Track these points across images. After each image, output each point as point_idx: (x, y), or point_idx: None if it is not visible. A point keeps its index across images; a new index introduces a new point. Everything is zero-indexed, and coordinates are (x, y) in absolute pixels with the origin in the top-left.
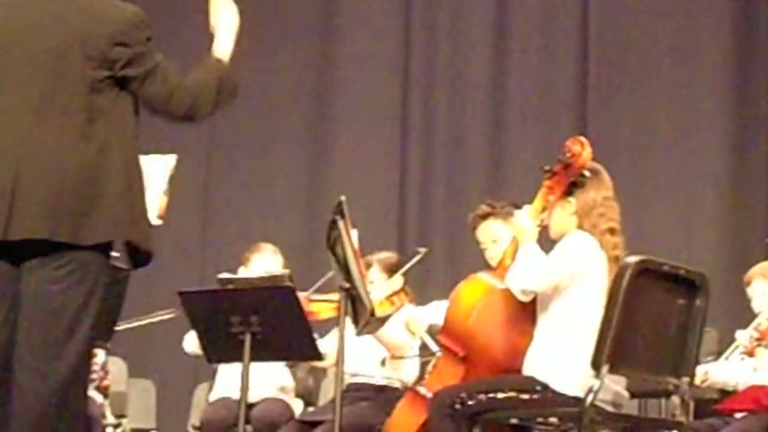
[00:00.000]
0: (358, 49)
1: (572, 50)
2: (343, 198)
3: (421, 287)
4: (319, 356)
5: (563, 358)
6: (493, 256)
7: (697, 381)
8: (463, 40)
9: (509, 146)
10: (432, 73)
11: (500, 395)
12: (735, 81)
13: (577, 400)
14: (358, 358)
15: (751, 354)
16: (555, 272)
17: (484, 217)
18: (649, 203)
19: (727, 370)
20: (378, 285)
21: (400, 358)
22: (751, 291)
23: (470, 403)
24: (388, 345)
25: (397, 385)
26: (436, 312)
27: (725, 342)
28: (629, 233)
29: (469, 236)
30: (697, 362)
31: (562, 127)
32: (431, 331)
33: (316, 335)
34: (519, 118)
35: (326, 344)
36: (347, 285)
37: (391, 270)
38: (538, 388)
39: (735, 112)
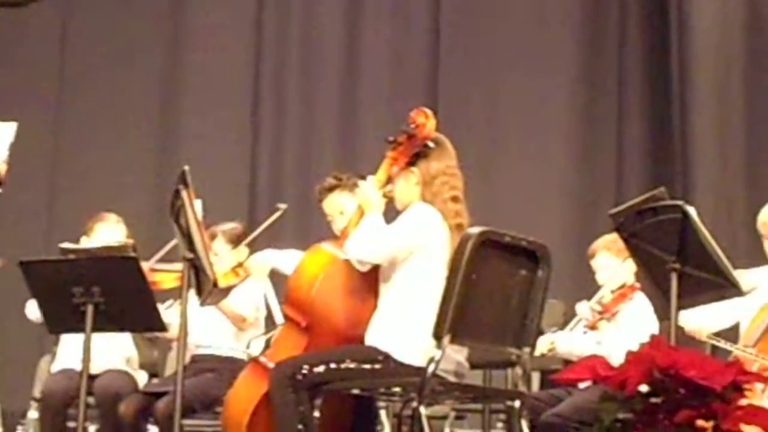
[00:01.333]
0: (210, 20)
1: (424, 22)
2: (186, 168)
3: None
4: (162, 327)
5: (405, 328)
6: (340, 227)
7: (544, 350)
8: (316, 12)
9: (360, 118)
10: (284, 44)
11: (342, 366)
12: (585, 53)
13: (419, 370)
14: (204, 329)
15: (593, 327)
16: (392, 243)
17: (331, 189)
18: (498, 175)
19: (572, 341)
20: (223, 256)
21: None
22: (595, 263)
23: (312, 373)
24: (231, 316)
25: (243, 356)
26: (286, 259)
27: (571, 314)
28: (478, 205)
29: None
30: (540, 333)
31: (413, 100)
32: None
33: (162, 305)
34: (370, 90)
35: (171, 315)
36: (190, 255)
37: (235, 241)
38: (380, 358)
39: (585, 84)
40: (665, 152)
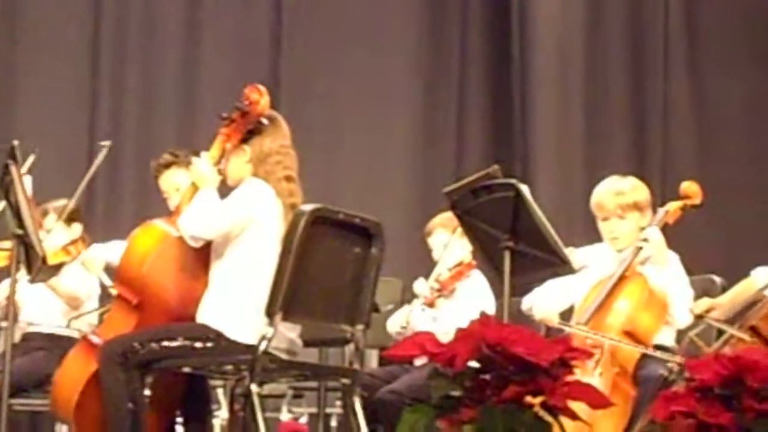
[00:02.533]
0: None
1: None
2: (15, 142)
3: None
4: None
5: (237, 305)
6: (176, 204)
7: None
8: None
9: (201, 95)
10: (124, 16)
11: (173, 343)
12: (427, 32)
13: (251, 348)
14: (36, 307)
15: (431, 305)
16: (225, 219)
17: (167, 165)
18: (340, 153)
19: (415, 318)
20: (55, 233)
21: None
22: (432, 241)
23: (142, 351)
24: (63, 295)
25: (75, 334)
26: (114, 251)
27: (409, 292)
28: (320, 182)
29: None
30: (376, 310)
31: (255, 77)
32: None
33: None
34: (212, 67)
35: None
36: (20, 232)
37: (68, 218)
38: (212, 336)
39: (426, 64)
40: (505, 133)
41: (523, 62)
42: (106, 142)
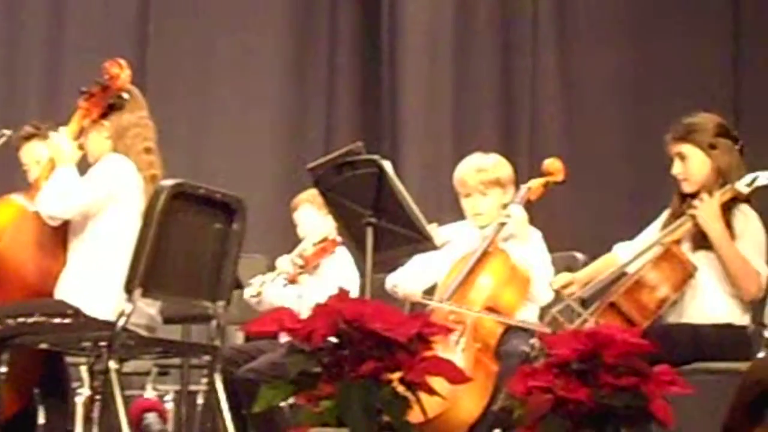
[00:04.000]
0: None
1: None
2: None
3: None
4: None
5: (95, 281)
6: (36, 177)
7: (253, 292)
8: None
9: (66, 68)
10: None
11: (30, 320)
12: (297, 10)
13: (109, 325)
14: None
15: (293, 281)
16: (83, 198)
17: (28, 138)
18: (208, 129)
19: (278, 294)
20: None
21: None
22: (297, 217)
23: None
24: None
25: None
26: None
27: (274, 268)
28: (188, 158)
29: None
30: (239, 287)
31: (121, 50)
32: None
33: None
34: (77, 40)
35: None
36: None
37: None
38: (69, 312)
39: (296, 41)
40: (375, 110)
41: (393, 40)
42: (7, 131)
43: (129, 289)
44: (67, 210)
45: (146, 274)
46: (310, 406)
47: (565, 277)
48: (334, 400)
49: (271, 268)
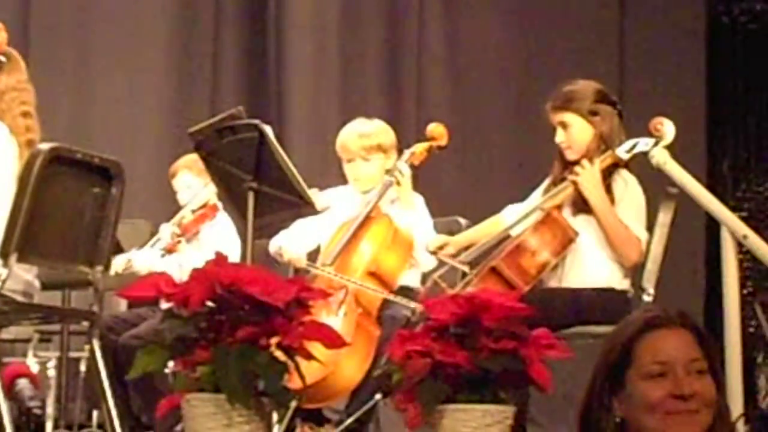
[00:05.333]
0: None
1: None
2: None
3: None
4: None
5: None
6: None
7: (119, 269)
8: None
9: None
10: None
11: None
12: None
13: None
14: None
15: (171, 250)
16: None
17: None
18: (91, 91)
19: (152, 260)
20: None
21: None
22: (176, 183)
23: None
24: None
25: None
26: None
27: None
28: (69, 122)
29: None
30: (120, 252)
31: (2, 13)
32: None
33: None
34: None
35: None
36: None
37: None
38: None
39: (182, 4)
40: (261, 77)
41: (279, 6)
42: None
43: (4, 254)
44: None
45: (22, 239)
46: (188, 371)
47: (441, 239)
48: (211, 366)
49: (154, 233)
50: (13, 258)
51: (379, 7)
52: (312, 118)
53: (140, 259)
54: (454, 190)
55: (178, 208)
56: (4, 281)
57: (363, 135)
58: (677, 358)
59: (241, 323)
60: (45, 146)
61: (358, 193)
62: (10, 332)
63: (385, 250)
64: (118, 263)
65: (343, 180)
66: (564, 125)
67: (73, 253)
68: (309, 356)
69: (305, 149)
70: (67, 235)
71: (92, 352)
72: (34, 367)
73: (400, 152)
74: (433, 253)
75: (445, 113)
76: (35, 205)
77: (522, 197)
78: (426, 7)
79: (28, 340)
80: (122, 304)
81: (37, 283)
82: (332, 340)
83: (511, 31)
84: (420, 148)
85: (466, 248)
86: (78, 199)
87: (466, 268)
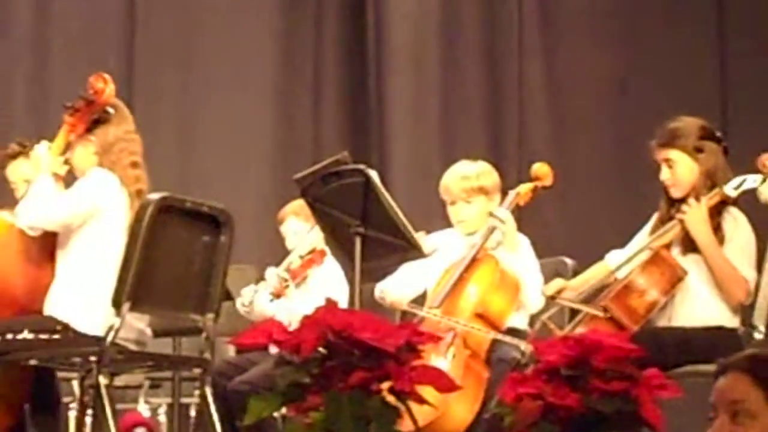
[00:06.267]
0: None
1: None
2: None
3: None
4: None
5: (84, 297)
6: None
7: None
8: None
9: (53, 83)
10: None
11: (19, 336)
12: (283, 20)
13: (98, 340)
14: None
15: (279, 295)
16: (63, 209)
17: (14, 156)
18: (195, 139)
19: (268, 306)
20: None
21: None
22: (284, 229)
23: None
24: None
25: None
26: None
27: (263, 279)
28: (174, 169)
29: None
30: (229, 298)
31: (107, 65)
32: None
33: None
34: (63, 54)
35: None
36: None
37: None
38: (58, 327)
39: (283, 50)
40: (362, 121)
41: (379, 49)
42: None
43: (117, 304)
44: (44, 220)
45: (134, 289)
46: (300, 417)
47: (558, 283)
48: (323, 412)
49: (261, 278)
50: (125, 307)
51: (478, 45)
52: (414, 160)
53: (259, 304)
54: (559, 230)
55: (285, 253)
56: (117, 330)
57: (465, 177)
58: (719, 401)
59: (353, 369)
60: (155, 196)
61: (462, 236)
62: (121, 379)
63: (493, 292)
64: (246, 295)
65: (447, 223)
66: (669, 162)
67: (184, 301)
68: (421, 400)
69: (408, 192)
70: (177, 283)
71: (204, 398)
72: (146, 414)
73: (504, 193)
74: (552, 297)
75: (547, 152)
76: (146, 255)
77: (626, 234)
78: (525, 45)
79: (138, 387)
80: (230, 349)
81: (149, 331)
82: (444, 383)
83: (611, 66)
84: (525, 188)
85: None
86: (188, 248)
87: (594, 311)
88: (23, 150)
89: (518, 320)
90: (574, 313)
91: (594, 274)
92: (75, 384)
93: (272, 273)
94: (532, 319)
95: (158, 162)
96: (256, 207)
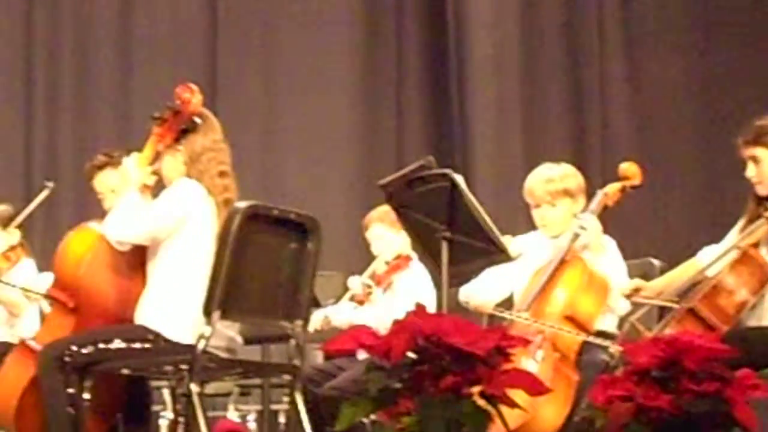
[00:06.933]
0: None
1: None
2: None
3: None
4: None
5: (174, 305)
6: (111, 206)
7: (317, 326)
8: None
9: (137, 94)
10: (57, 10)
11: (111, 345)
12: (366, 26)
13: (190, 348)
14: None
15: (361, 302)
16: (150, 222)
17: (101, 167)
18: (278, 147)
19: (348, 313)
20: None
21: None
22: (369, 235)
23: (80, 354)
24: (5, 303)
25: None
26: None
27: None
28: (258, 177)
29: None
30: (317, 305)
31: (191, 74)
32: None
33: None
34: (146, 66)
35: None
36: None
37: (6, 223)
38: (150, 337)
39: (366, 55)
40: (445, 124)
41: (460, 52)
42: (50, 183)
43: (207, 312)
44: (131, 235)
45: (224, 297)
46: (392, 422)
47: (635, 282)
48: (415, 416)
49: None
50: (216, 315)
51: (559, 46)
52: (497, 164)
53: (337, 315)
54: (645, 230)
55: (370, 259)
56: (208, 339)
57: (549, 180)
58: None
59: (444, 373)
60: (242, 204)
61: (547, 239)
62: (210, 387)
63: (581, 294)
64: (315, 320)
65: (530, 225)
66: (755, 160)
67: (273, 308)
68: (512, 403)
69: (492, 195)
70: (266, 291)
71: (295, 405)
72: (236, 421)
73: (589, 195)
74: (628, 296)
75: (630, 152)
76: (235, 263)
77: (713, 234)
78: (606, 44)
79: (228, 394)
80: (318, 355)
81: (239, 339)
82: (535, 387)
83: (693, 65)
84: (613, 188)
85: (660, 292)
86: (276, 255)
87: (670, 303)
88: (110, 161)
89: (607, 323)
90: (662, 314)
91: (682, 273)
92: (165, 392)
93: (355, 280)
94: (621, 322)
95: (242, 169)
96: (341, 213)
